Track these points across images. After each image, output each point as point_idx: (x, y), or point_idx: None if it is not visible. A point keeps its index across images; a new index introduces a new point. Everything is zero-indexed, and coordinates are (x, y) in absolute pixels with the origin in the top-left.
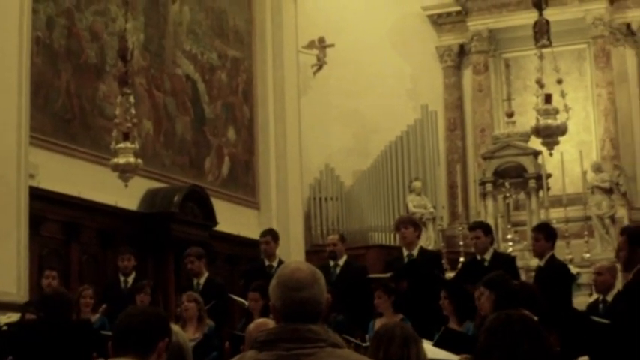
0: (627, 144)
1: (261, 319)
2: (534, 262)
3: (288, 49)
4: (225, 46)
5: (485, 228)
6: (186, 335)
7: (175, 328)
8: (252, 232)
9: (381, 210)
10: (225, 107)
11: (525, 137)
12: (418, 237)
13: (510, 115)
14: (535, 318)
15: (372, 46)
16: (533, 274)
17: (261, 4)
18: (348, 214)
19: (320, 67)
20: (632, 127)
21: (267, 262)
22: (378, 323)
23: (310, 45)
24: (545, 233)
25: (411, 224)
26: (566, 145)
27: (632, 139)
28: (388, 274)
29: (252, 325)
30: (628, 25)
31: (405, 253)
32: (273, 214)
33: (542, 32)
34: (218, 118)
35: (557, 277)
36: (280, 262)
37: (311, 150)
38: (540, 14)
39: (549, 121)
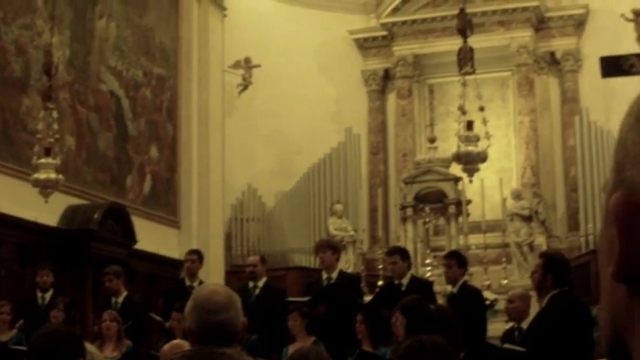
0: (548, 172)
1: (176, 341)
2: None
3: (214, 69)
4: (150, 64)
5: (403, 253)
6: (102, 355)
7: (90, 348)
8: (172, 251)
9: (302, 232)
10: (148, 125)
11: (447, 163)
12: (337, 260)
13: (432, 140)
14: (447, 344)
15: (297, 68)
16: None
17: (188, 23)
18: (269, 235)
19: (245, 88)
20: (553, 156)
21: (188, 282)
22: (291, 349)
23: (236, 65)
24: (458, 260)
25: (330, 248)
26: (486, 171)
27: (552, 168)
28: (306, 298)
29: (166, 347)
30: (552, 54)
31: (325, 276)
32: (193, 233)
33: (466, 59)
34: (141, 135)
35: (470, 303)
36: (201, 282)
37: (234, 170)
38: (465, 41)
39: (470, 148)
